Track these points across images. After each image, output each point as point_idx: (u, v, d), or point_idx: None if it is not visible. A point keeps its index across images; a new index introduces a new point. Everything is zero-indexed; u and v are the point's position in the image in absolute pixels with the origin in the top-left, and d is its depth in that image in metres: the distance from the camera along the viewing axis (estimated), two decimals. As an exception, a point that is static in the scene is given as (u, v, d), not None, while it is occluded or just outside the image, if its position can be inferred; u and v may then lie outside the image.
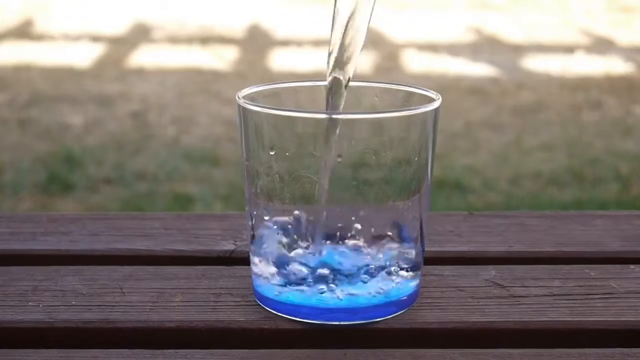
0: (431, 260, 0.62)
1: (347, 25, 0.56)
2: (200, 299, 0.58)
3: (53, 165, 2.43)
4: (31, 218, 0.72)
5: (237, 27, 4.36)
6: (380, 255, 0.55)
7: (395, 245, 0.55)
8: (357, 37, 0.56)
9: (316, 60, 3.72)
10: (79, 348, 0.54)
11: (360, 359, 0.53)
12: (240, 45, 4.04)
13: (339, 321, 0.55)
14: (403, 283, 0.56)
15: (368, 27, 0.56)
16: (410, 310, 0.57)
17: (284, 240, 0.55)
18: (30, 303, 0.58)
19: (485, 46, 4.07)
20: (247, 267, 0.59)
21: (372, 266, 0.55)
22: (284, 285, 0.56)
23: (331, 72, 0.57)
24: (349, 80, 0.57)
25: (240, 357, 0.53)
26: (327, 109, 0.57)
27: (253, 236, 0.57)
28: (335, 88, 0.57)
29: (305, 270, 0.55)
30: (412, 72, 3.59)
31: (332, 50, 0.56)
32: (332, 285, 0.55)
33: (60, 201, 2.22)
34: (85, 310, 0.57)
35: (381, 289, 0.55)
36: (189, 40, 4.09)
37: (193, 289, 0.60)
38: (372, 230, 0.55)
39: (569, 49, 3.99)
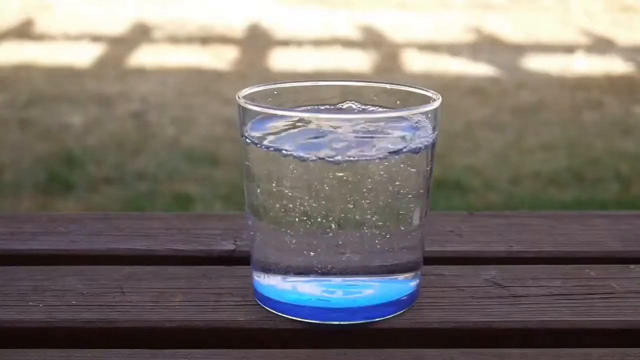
0: (431, 260, 0.62)
1: None
2: (200, 298, 0.58)
3: (53, 165, 2.43)
4: (31, 218, 0.72)
5: (237, 27, 4.36)
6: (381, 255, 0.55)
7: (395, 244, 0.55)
8: None
9: (316, 60, 3.72)
10: (79, 348, 0.54)
11: (360, 359, 0.53)
12: (240, 45, 4.04)
13: (339, 321, 0.55)
14: (403, 283, 0.56)
15: None
16: (410, 310, 0.57)
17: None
18: (30, 303, 0.58)
19: (485, 46, 4.07)
20: (247, 267, 0.59)
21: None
22: (285, 284, 0.56)
23: None
24: None
25: (240, 357, 0.53)
26: None
27: (254, 235, 0.57)
28: None
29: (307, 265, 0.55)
30: (412, 72, 3.59)
31: None
32: (333, 283, 0.55)
33: (60, 201, 2.22)
34: (85, 310, 0.57)
35: (381, 289, 0.55)
36: (189, 40, 4.09)
37: (193, 289, 0.60)
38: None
39: (569, 49, 3.99)
